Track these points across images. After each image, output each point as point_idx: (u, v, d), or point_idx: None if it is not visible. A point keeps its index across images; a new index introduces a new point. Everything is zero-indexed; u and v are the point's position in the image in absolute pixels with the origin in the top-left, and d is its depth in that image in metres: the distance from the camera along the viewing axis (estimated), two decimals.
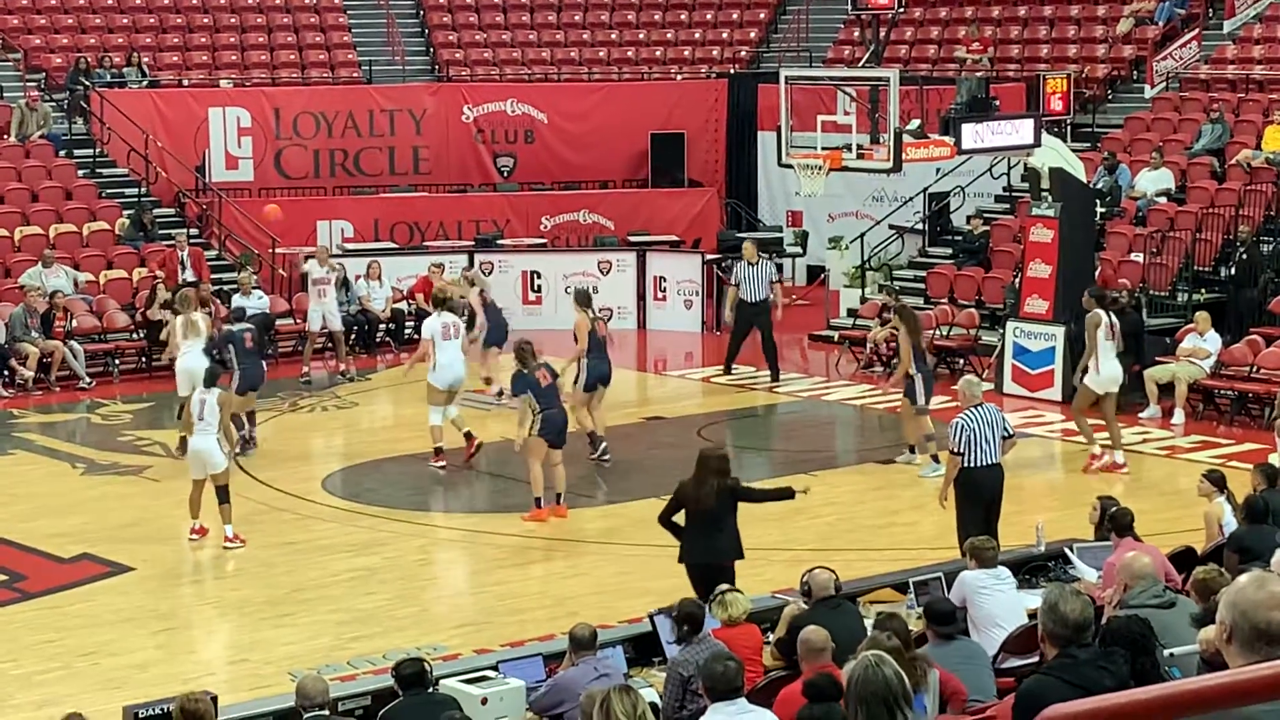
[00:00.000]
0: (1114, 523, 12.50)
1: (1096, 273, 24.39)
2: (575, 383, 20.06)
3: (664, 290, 29.56)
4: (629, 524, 17.97)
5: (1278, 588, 4.22)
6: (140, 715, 10.06)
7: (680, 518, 13.62)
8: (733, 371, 25.50)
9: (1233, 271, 24.93)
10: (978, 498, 14.99)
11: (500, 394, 22.64)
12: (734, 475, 13.74)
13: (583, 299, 20.77)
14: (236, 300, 26.57)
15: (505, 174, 33.17)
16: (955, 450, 15.04)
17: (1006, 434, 15.35)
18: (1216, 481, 14.05)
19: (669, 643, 11.14)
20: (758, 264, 25.24)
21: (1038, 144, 22.82)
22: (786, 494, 14.21)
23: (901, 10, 26.75)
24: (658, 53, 35.72)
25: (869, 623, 10.97)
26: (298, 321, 27.62)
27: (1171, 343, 23.23)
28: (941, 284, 27.48)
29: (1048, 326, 23.43)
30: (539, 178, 33.32)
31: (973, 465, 15.01)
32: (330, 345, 26.80)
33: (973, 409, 15.22)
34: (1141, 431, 21.85)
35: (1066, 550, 13.17)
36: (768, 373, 25.10)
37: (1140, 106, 30.53)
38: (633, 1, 36.47)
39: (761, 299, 24.96)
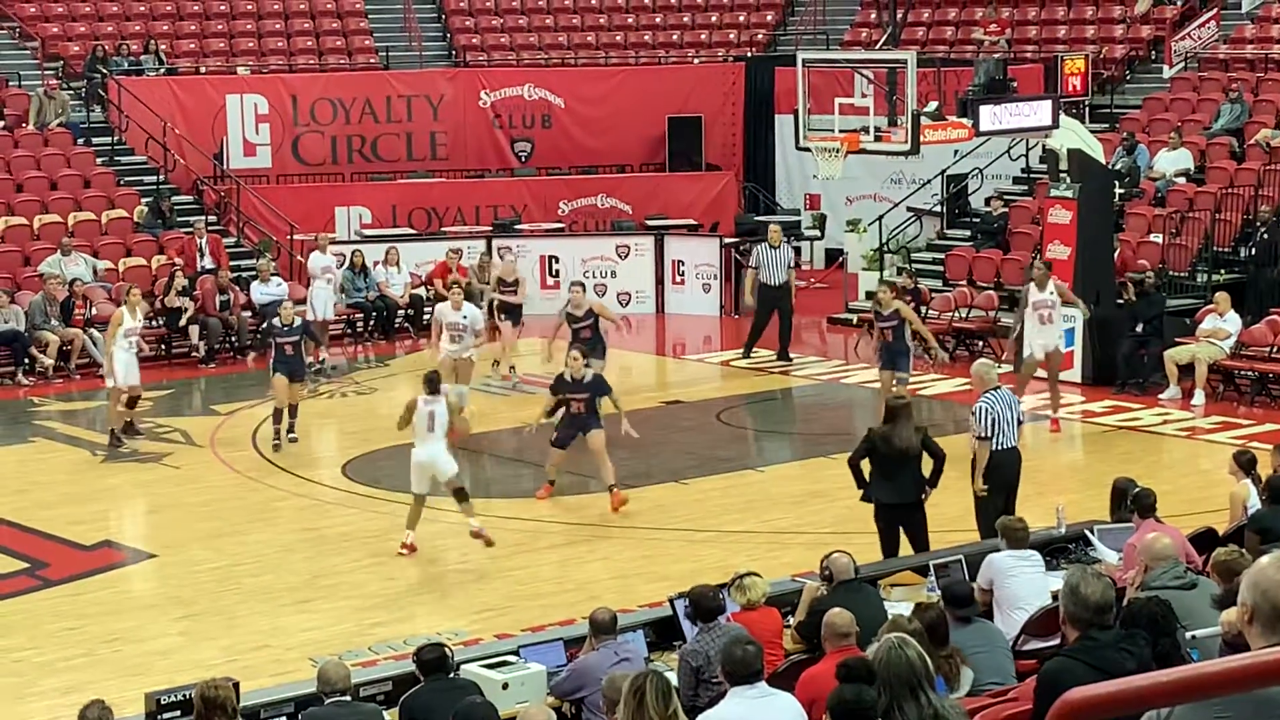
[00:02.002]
0: (1137, 504, 12.46)
1: (1115, 254, 24.35)
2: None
3: (682, 274, 29.55)
4: (649, 507, 17.98)
5: None
6: (162, 702, 10.08)
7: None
8: (751, 355, 25.50)
9: (1252, 252, 24.87)
10: (1000, 480, 15.00)
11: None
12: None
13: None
14: (255, 287, 26.79)
15: (523, 159, 33.16)
16: (984, 435, 15.02)
17: (1019, 420, 15.44)
18: (1245, 463, 13.98)
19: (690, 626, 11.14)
20: (779, 247, 25.30)
21: (1056, 125, 22.77)
22: (942, 459, 14.71)
23: None
24: (674, 36, 35.68)
25: (890, 606, 10.97)
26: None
27: (1191, 323, 23.19)
28: (960, 266, 27.45)
29: (1067, 308, 23.34)
30: (556, 162, 33.31)
31: (996, 449, 15.00)
32: (347, 330, 26.87)
33: (992, 392, 15.21)
34: (1162, 412, 21.82)
35: (1087, 532, 13.14)
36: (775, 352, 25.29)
37: (1159, 87, 30.45)
38: None
39: (782, 282, 25.06)
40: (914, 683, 7.02)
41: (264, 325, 22.53)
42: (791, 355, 25.42)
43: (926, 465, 14.63)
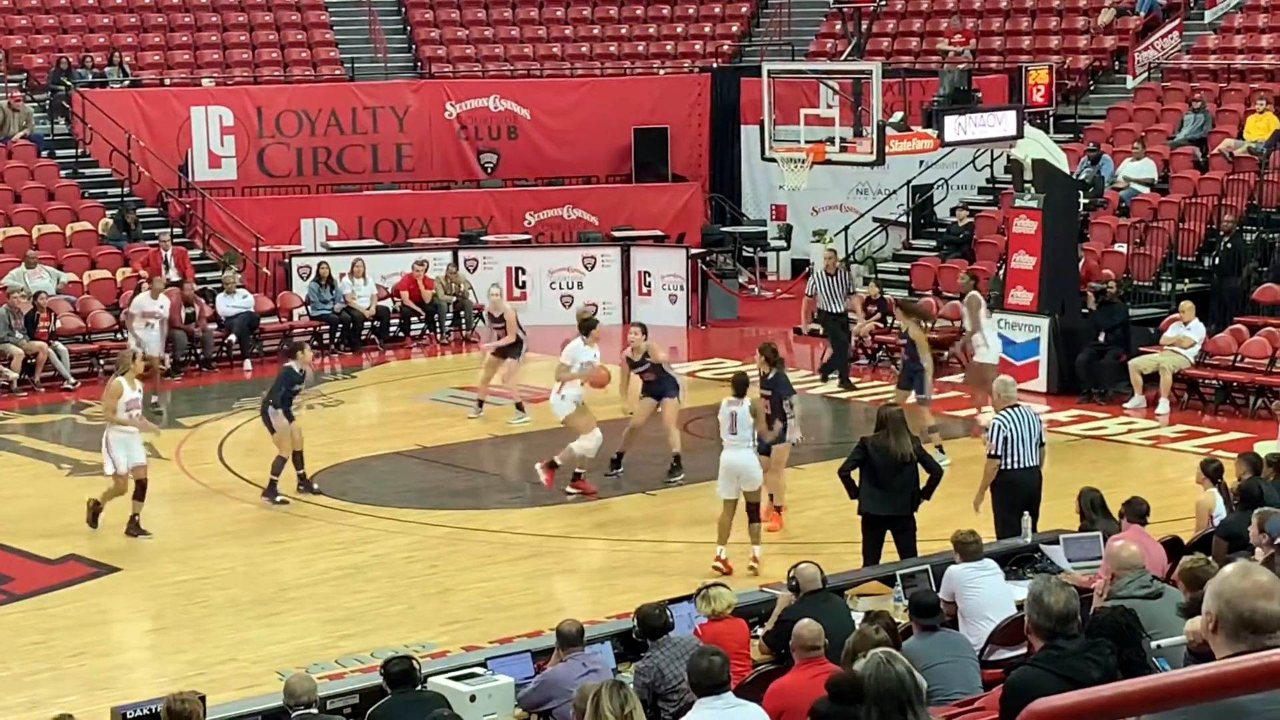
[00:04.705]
0: (1129, 510, 12.47)
1: (1080, 263, 24.44)
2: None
3: (649, 285, 29.55)
4: (615, 519, 17.98)
5: (1263, 577, 4.22)
6: (129, 716, 10.05)
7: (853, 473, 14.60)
8: (854, 386, 24.22)
9: (1216, 261, 24.98)
10: (1014, 500, 14.70)
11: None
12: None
13: None
14: (221, 299, 26.67)
15: (489, 170, 33.15)
16: (993, 453, 14.90)
17: (1040, 441, 15.12)
18: (1212, 472, 14.00)
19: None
20: (836, 274, 24.71)
21: (1020, 135, 22.84)
22: (938, 474, 14.62)
23: (883, 3, 26.83)
24: (640, 47, 35.71)
25: (857, 617, 10.99)
26: (281, 320, 27.62)
27: (1156, 332, 23.28)
28: (926, 276, 27.51)
29: (1032, 318, 23.46)
30: (522, 174, 33.29)
31: (1010, 467, 14.86)
32: (314, 343, 26.89)
33: (1009, 410, 15.10)
34: (1127, 421, 21.89)
35: (1041, 544, 13.16)
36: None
37: (1122, 97, 30.57)
38: None
39: (841, 310, 24.41)
40: (904, 699, 7.00)
41: (283, 370, 19.25)
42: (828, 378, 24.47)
43: (923, 476, 14.56)
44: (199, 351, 26.21)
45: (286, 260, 28.84)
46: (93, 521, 17.70)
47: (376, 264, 28.57)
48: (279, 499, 18.63)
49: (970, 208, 29.06)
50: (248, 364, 26.40)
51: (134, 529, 17.54)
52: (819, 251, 30.11)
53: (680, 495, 18.83)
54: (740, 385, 16.08)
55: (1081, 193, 25.76)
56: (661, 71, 34.97)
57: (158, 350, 23.98)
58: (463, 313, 28.53)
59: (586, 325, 19.20)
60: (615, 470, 19.20)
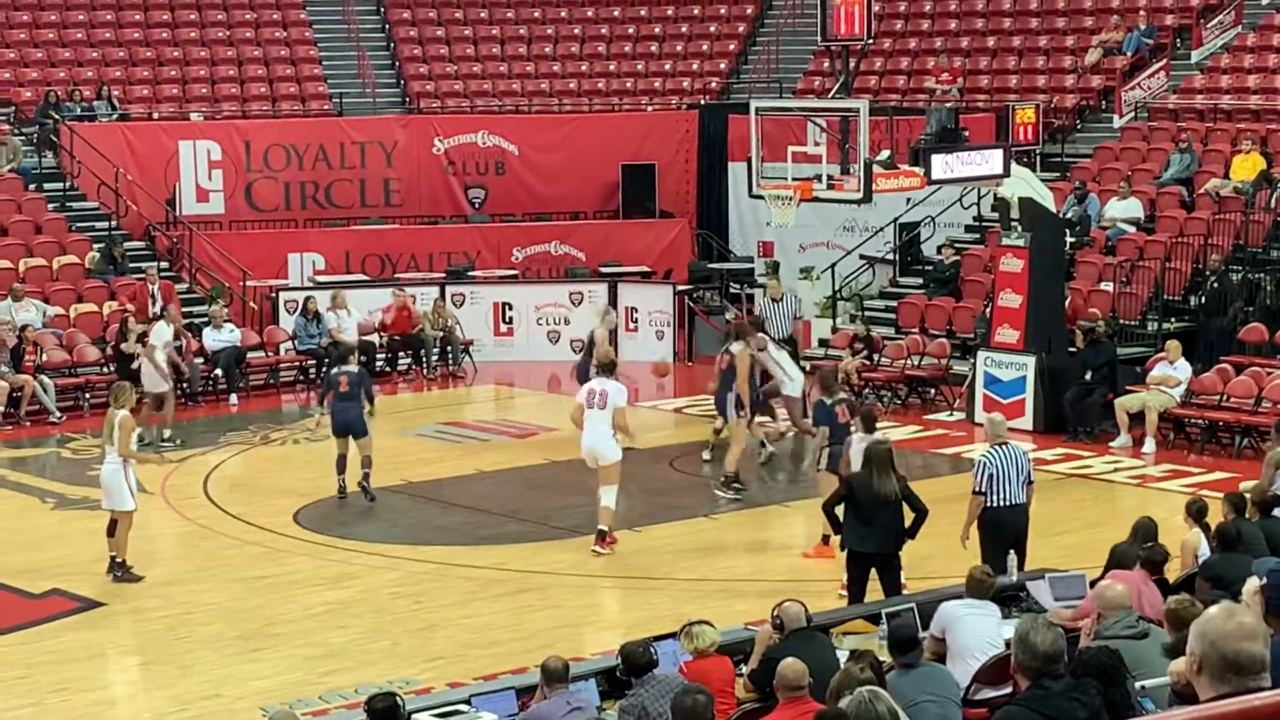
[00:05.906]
0: (1146, 555, 12.34)
1: (1066, 302, 24.48)
2: None
3: (635, 321, 29.57)
4: (603, 555, 17.94)
5: (1247, 618, 4.23)
6: None
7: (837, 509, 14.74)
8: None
9: (1202, 300, 25.04)
10: (1000, 538, 14.71)
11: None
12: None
13: None
14: (208, 333, 26.60)
15: (476, 205, 33.19)
16: (977, 490, 14.89)
17: (1028, 479, 15.11)
18: (1196, 512, 14.00)
19: None
20: (781, 300, 25.06)
21: (1007, 174, 22.89)
22: (923, 514, 14.53)
23: (871, 41, 26.79)
24: (628, 84, 35.77)
25: (842, 655, 10.96)
26: (268, 354, 27.59)
27: (1142, 371, 23.32)
28: (912, 314, 27.53)
29: (1018, 356, 23.50)
30: (510, 209, 33.33)
31: (995, 505, 14.83)
32: (300, 376, 26.81)
33: (996, 447, 15.09)
34: (1113, 460, 21.91)
35: (1028, 583, 13.14)
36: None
37: (1109, 136, 30.66)
38: (603, 33, 36.54)
39: (787, 335, 24.58)
40: None
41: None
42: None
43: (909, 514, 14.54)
44: (185, 385, 26.15)
45: (274, 295, 28.83)
46: (125, 572, 17.09)
47: (364, 299, 28.56)
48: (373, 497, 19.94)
49: (957, 245, 29.11)
50: (234, 398, 26.38)
51: (121, 570, 17.15)
52: (805, 288, 30.25)
53: (667, 531, 18.81)
54: (868, 420, 16.21)
55: (1068, 231, 25.82)
56: (649, 108, 35.03)
57: (165, 384, 23.79)
58: (449, 348, 28.52)
59: (611, 367, 19.25)
60: (739, 487, 20.11)
